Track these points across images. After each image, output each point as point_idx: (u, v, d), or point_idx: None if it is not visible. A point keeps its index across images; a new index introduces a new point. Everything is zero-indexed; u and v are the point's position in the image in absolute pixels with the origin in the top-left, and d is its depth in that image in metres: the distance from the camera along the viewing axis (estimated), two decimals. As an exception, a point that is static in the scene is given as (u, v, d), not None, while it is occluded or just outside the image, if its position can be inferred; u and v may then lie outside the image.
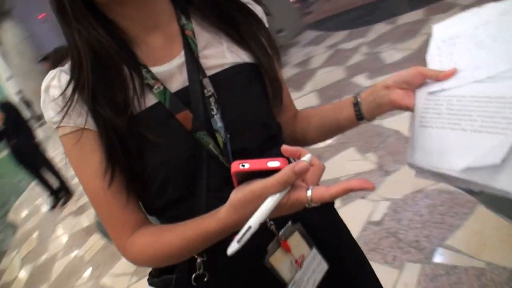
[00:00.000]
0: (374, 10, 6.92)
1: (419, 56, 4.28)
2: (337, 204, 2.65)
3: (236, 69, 0.83)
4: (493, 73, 0.73)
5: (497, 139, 0.67)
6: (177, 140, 0.76)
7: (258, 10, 0.90)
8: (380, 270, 2.12)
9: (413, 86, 0.80)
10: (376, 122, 3.55)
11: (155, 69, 0.78)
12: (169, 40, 0.81)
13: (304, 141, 1.03)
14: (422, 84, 0.81)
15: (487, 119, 0.70)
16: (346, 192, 0.59)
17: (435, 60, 0.84)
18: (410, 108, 0.79)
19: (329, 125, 0.96)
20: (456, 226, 2.21)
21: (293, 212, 0.63)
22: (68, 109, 0.74)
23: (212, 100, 0.78)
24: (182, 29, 0.82)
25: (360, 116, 0.88)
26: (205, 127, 0.76)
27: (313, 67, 5.66)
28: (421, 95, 0.81)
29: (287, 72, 5.90)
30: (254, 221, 0.59)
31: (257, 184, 0.60)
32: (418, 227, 2.32)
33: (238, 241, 0.57)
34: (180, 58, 0.80)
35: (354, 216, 2.60)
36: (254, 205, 0.60)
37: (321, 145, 3.54)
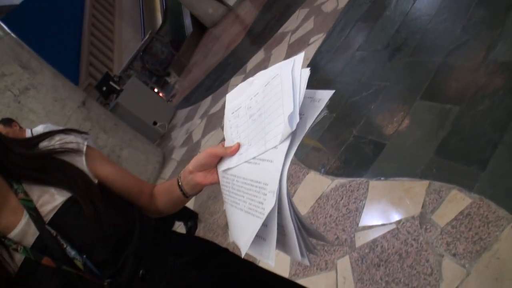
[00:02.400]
0: (225, 68, 7.42)
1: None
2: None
3: (67, 205, 1.00)
4: (255, 154, 0.82)
5: (258, 222, 0.77)
6: (50, 279, 0.95)
7: (75, 142, 1.08)
8: (321, 278, 2.28)
9: (211, 165, 0.98)
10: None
11: (12, 235, 0.96)
12: (11, 207, 0.98)
13: (160, 214, 1.21)
14: (220, 160, 0.95)
15: (251, 202, 0.81)
16: None
17: (228, 132, 0.95)
18: (216, 183, 0.98)
19: (171, 201, 1.15)
20: (360, 208, 2.45)
21: None
22: None
23: (59, 237, 0.96)
24: (16, 194, 0.99)
25: (185, 195, 1.07)
26: (64, 261, 0.95)
27: (196, 140, 5.89)
28: (220, 172, 0.95)
29: (177, 155, 6.07)
30: None
31: None
32: (333, 226, 2.52)
33: None
34: (25, 217, 0.98)
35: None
36: None
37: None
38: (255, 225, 0.77)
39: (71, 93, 5.44)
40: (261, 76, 0.89)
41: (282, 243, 0.78)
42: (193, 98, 7.92)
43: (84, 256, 0.97)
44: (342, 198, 2.62)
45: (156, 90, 9.50)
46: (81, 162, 1.07)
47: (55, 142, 1.06)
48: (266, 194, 0.76)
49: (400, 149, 2.61)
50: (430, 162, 2.32)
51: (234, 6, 10.78)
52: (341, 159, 2.96)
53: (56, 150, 1.05)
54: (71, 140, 1.08)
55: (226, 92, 6.32)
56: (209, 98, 6.85)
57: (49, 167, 1.02)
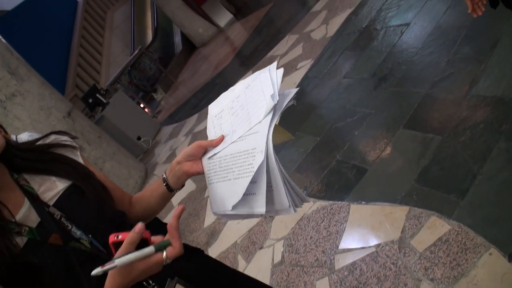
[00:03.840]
0: (212, 87, 7.47)
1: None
2: (242, 263, 2.80)
3: (68, 191, 1.06)
4: (241, 134, 0.98)
5: (247, 180, 0.91)
6: (54, 258, 0.96)
7: (69, 140, 1.16)
8: (298, 300, 2.28)
9: (197, 156, 1.09)
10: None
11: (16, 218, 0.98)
12: (13, 194, 1.02)
13: (144, 220, 1.24)
14: (204, 152, 1.08)
15: (241, 168, 0.94)
16: (177, 224, 0.88)
17: (211, 132, 1.11)
18: (200, 173, 1.09)
19: (154, 203, 1.21)
20: (341, 231, 2.48)
21: (157, 271, 0.88)
22: None
23: (63, 219, 1.00)
24: (17, 182, 1.03)
25: (170, 189, 1.14)
26: (71, 239, 0.98)
27: (180, 157, 5.86)
28: (205, 161, 1.08)
29: (159, 171, 6.04)
30: (119, 261, 0.81)
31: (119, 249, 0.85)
32: (313, 248, 2.54)
33: (102, 267, 0.80)
34: (26, 204, 1.01)
35: (260, 267, 2.76)
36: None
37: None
38: (245, 182, 0.90)
39: (57, 102, 5.41)
40: (242, 83, 1.08)
41: (270, 199, 0.90)
42: (178, 115, 7.93)
43: (90, 235, 1.01)
44: (323, 220, 2.65)
45: (142, 105, 9.51)
46: (77, 157, 1.14)
47: (51, 140, 1.13)
48: (255, 155, 0.90)
49: (381, 175, 2.66)
50: (411, 189, 2.37)
51: (224, 27, 10.92)
52: (324, 182, 3.00)
53: (54, 145, 1.12)
54: (66, 139, 1.16)
55: (212, 111, 6.37)
56: (195, 117, 6.87)
57: (49, 158, 1.09)
